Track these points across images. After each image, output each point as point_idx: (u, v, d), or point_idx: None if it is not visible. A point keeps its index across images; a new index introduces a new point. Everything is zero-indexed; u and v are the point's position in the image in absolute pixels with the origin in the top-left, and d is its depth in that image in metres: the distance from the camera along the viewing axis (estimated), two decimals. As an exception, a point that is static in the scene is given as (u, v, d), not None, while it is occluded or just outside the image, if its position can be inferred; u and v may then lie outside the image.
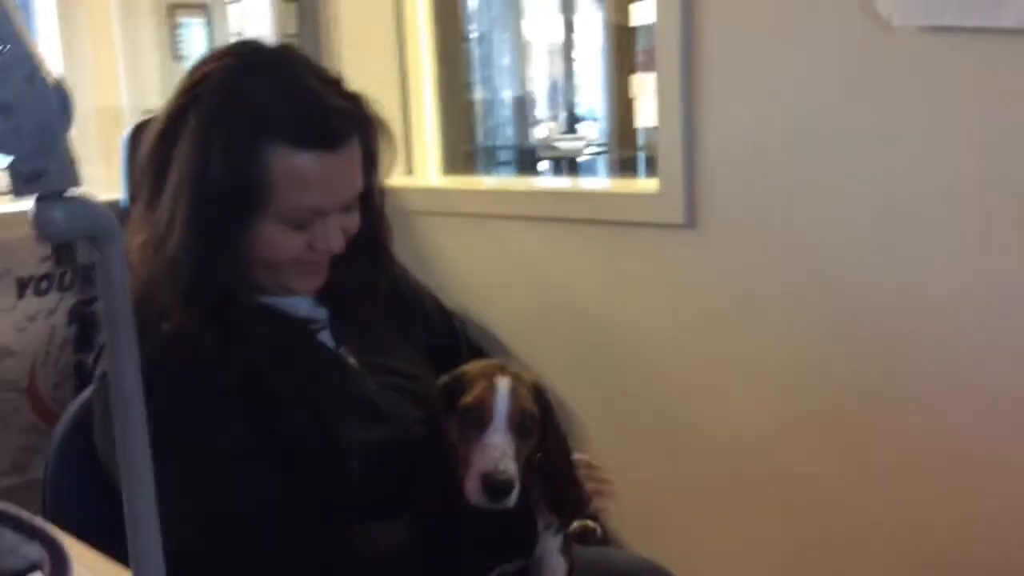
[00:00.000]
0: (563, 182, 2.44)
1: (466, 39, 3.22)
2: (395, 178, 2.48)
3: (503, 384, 1.24)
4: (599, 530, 1.59)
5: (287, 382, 1.21)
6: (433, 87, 2.63)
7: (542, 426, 1.28)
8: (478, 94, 3.49)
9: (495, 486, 1.18)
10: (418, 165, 2.60)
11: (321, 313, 1.33)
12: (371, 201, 1.31)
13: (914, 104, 1.56)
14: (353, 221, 1.26)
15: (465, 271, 2.31)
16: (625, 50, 2.79)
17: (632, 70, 2.92)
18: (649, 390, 2.00)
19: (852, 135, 1.64)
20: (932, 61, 1.53)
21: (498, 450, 1.20)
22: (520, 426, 1.23)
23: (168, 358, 1.13)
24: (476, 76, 3.44)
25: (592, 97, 4.08)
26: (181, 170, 1.14)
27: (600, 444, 2.08)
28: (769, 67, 1.72)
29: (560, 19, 4.08)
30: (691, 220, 1.87)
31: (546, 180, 2.71)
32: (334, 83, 1.23)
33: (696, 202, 1.86)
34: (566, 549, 1.40)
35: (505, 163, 3.83)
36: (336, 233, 1.22)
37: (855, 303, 1.69)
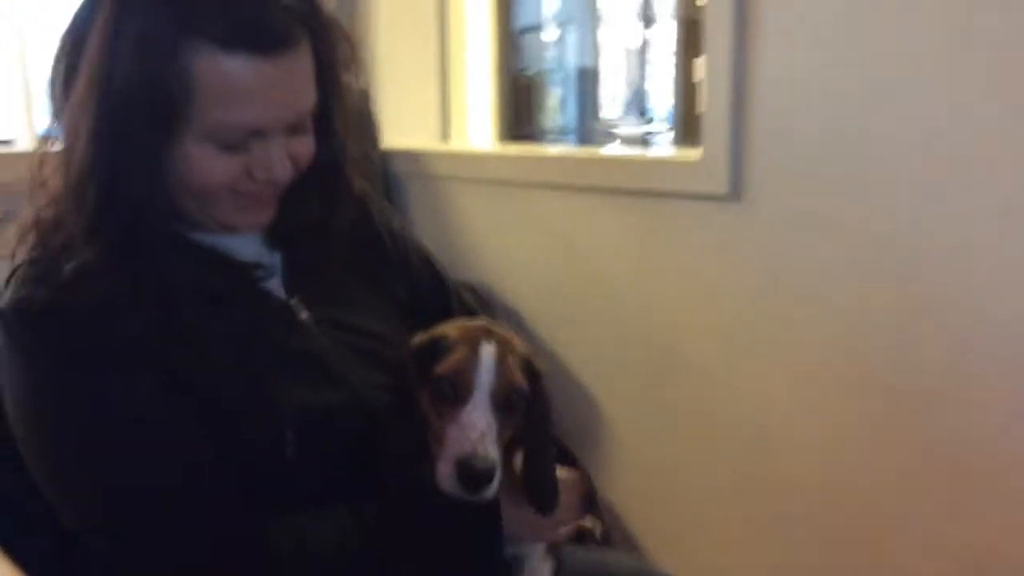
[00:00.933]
0: (597, 150, 2.25)
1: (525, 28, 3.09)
2: (426, 142, 2.47)
3: (488, 351, 1.06)
4: (597, 531, 1.41)
5: (211, 333, 1.04)
6: (491, 64, 2.52)
7: (529, 403, 1.10)
8: (537, 71, 3.32)
9: (473, 474, 1.00)
10: (456, 131, 2.47)
11: (272, 258, 1.16)
12: (328, 123, 1.11)
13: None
14: (303, 146, 1.07)
15: (492, 241, 2.17)
16: (692, 33, 2.58)
17: (697, 54, 2.66)
18: (682, 376, 1.81)
19: (929, 97, 1.41)
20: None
21: (477, 430, 1.02)
22: (505, 403, 1.06)
23: (64, 306, 0.98)
24: (536, 54, 3.27)
25: (657, 81, 3.87)
26: (87, 74, 0.95)
27: (626, 432, 1.92)
28: (834, 15, 1.50)
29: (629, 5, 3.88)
30: (736, 191, 1.67)
31: (579, 148, 2.51)
32: None
33: (742, 171, 1.66)
34: (551, 549, 1.22)
35: (563, 144, 3.66)
36: (280, 159, 1.03)
37: (918, 292, 1.46)
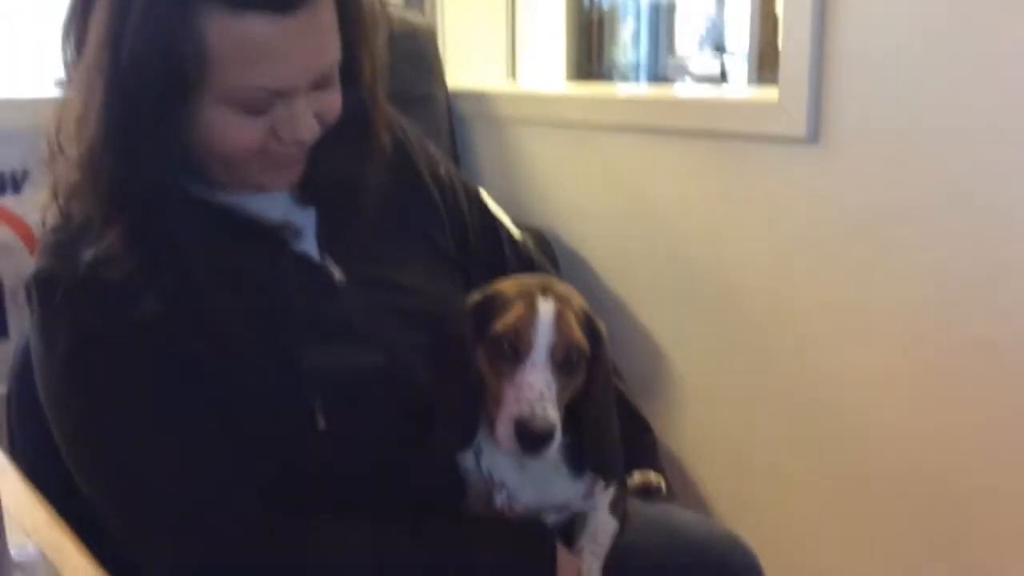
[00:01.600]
0: (669, 89, 2.17)
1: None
2: (493, 82, 2.41)
3: (546, 308, 1.02)
4: (664, 485, 1.37)
5: (236, 307, 0.99)
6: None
7: (590, 364, 1.06)
8: (609, 5, 3.22)
9: (532, 434, 0.97)
10: (523, 72, 2.41)
11: (302, 216, 1.09)
12: (357, 74, 1.03)
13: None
14: (330, 102, 1.00)
15: (559, 186, 2.12)
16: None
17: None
18: (756, 332, 1.76)
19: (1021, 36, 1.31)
20: None
21: (536, 390, 0.99)
22: (564, 362, 1.02)
23: (83, 286, 0.94)
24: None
25: (736, 14, 3.71)
26: (97, 38, 0.89)
27: (694, 386, 1.87)
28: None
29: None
30: (815, 134, 1.59)
31: (651, 88, 2.42)
32: None
33: (822, 113, 1.58)
34: (616, 506, 1.19)
35: (635, 82, 3.55)
36: (306, 119, 0.97)
37: (1009, 247, 1.37)
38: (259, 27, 0.89)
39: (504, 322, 1.02)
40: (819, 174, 1.60)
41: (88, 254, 0.94)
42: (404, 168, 1.20)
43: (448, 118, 2.29)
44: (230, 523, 0.98)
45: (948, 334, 1.47)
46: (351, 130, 1.06)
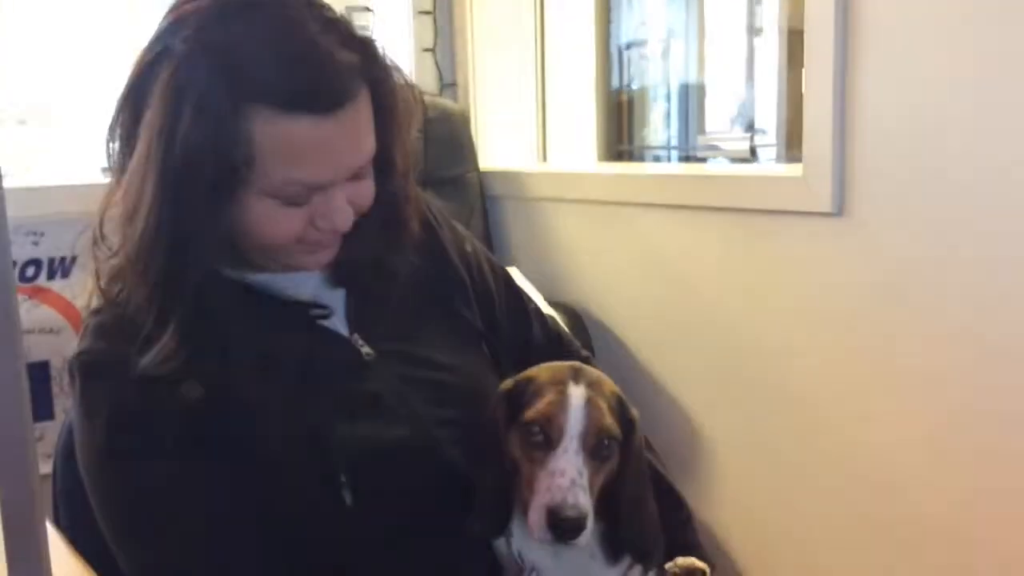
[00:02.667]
0: (696, 167, 2.20)
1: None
2: (524, 162, 2.46)
3: (577, 395, 1.04)
4: (707, 570, 1.36)
5: (266, 381, 1.02)
6: (593, 80, 2.49)
7: (623, 449, 1.07)
8: (640, 86, 3.28)
9: (564, 522, 0.98)
10: (554, 153, 2.46)
11: (332, 296, 1.12)
12: (389, 164, 1.08)
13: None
14: (364, 191, 1.04)
15: (590, 263, 2.14)
16: (799, 44, 2.51)
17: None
18: (786, 400, 1.75)
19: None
20: None
21: (568, 477, 1.00)
22: (596, 448, 1.03)
23: (121, 370, 0.97)
24: (639, 70, 3.23)
25: (764, 94, 3.76)
26: (149, 134, 0.94)
27: (728, 459, 1.87)
28: (942, 23, 1.43)
29: (735, 17, 3.78)
30: (840, 207, 1.61)
31: (678, 165, 2.46)
32: (337, 25, 0.98)
33: (847, 187, 1.60)
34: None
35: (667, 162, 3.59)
36: (342, 208, 1.01)
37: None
38: (304, 128, 0.94)
39: (536, 409, 1.03)
40: (845, 246, 1.61)
41: (145, 358, 0.97)
42: (431, 245, 1.23)
43: (480, 198, 2.34)
44: None
45: (979, 400, 1.46)
46: (382, 218, 1.10)
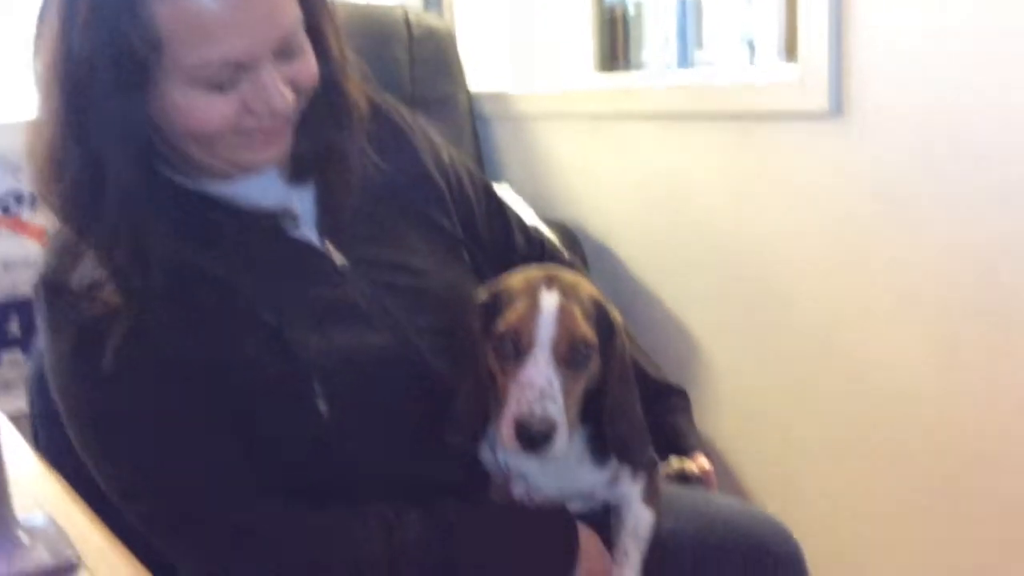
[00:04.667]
0: (689, 74, 2.15)
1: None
2: (513, 80, 2.40)
3: (549, 302, 1.00)
4: (701, 472, 1.34)
5: (235, 296, 0.99)
6: None
7: (604, 353, 1.04)
8: (633, 1, 3.18)
9: (531, 434, 0.96)
10: (546, 70, 2.40)
11: (298, 198, 1.07)
12: (322, 42, 1.01)
13: None
14: (303, 69, 0.98)
15: (583, 179, 2.11)
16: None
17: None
18: (783, 306, 1.73)
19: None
20: None
21: (536, 388, 0.97)
22: (570, 356, 1.00)
23: (78, 288, 0.95)
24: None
25: (763, 12, 3.66)
26: (50, 43, 0.89)
27: (725, 368, 1.85)
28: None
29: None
30: (837, 107, 1.56)
31: (671, 74, 2.39)
32: None
33: (844, 86, 1.55)
34: (650, 497, 1.17)
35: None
36: (275, 88, 0.93)
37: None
38: (207, 1, 0.88)
39: (507, 320, 1.00)
40: (842, 147, 1.57)
41: (82, 277, 0.94)
42: (402, 151, 1.19)
43: (470, 118, 2.29)
44: (241, 514, 0.98)
45: (978, 304, 1.43)
46: (325, 99, 1.04)
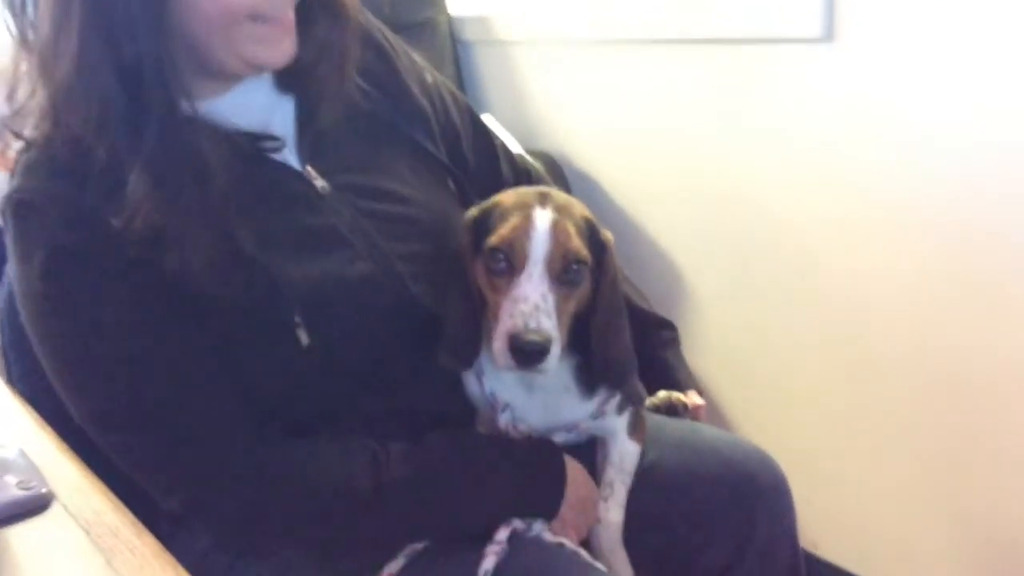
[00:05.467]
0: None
1: None
2: (498, 4, 2.32)
3: (543, 218, 0.98)
4: (688, 403, 1.33)
5: (213, 220, 0.95)
6: None
7: (595, 274, 1.02)
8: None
9: (526, 347, 0.94)
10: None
11: (280, 121, 1.05)
12: None
13: None
14: None
15: (567, 108, 2.05)
16: None
17: None
18: (768, 239, 1.71)
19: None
20: None
21: (531, 303, 0.95)
22: (563, 273, 0.98)
23: (58, 203, 0.91)
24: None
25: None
26: None
27: (712, 309, 1.83)
28: None
29: None
30: (829, 32, 1.52)
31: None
32: None
33: (836, 9, 1.50)
34: (636, 430, 1.17)
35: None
36: None
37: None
38: None
39: (499, 234, 0.98)
40: (833, 73, 1.53)
41: (66, 162, 0.91)
42: (386, 74, 1.16)
43: (450, 43, 2.23)
44: (222, 444, 0.95)
45: (969, 231, 1.42)
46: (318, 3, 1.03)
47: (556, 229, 0.97)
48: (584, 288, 1.01)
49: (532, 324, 0.94)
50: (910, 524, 1.65)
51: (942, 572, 1.64)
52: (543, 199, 1.00)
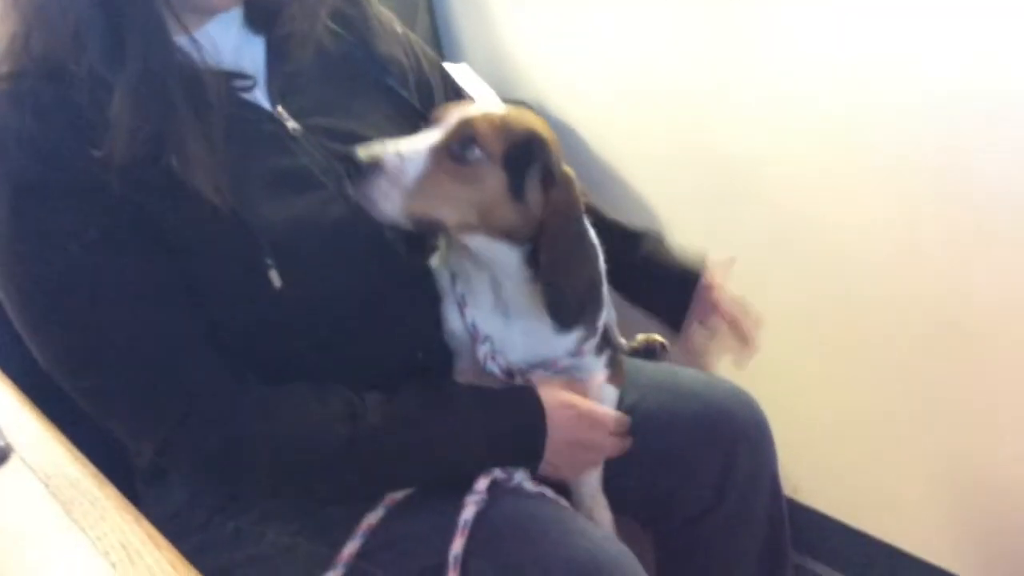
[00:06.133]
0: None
1: None
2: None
3: (474, 109, 0.98)
4: (666, 344, 1.32)
5: (183, 157, 0.93)
6: None
7: (546, 205, 0.99)
8: None
9: (352, 156, 0.92)
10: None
11: (251, 60, 1.04)
12: None
13: None
14: None
15: (545, 56, 2.01)
16: None
17: None
18: (753, 184, 1.68)
19: None
20: None
21: (400, 143, 0.94)
22: (459, 149, 0.95)
23: (27, 137, 0.89)
24: None
25: None
26: None
27: (690, 248, 1.80)
28: None
29: None
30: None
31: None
32: None
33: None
34: (613, 373, 1.15)
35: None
36: None
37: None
38: None
39: (435, 113, 1.00)
40: (820, 18, 1.48)
41: (34, 94, 0.90)
42: (360, 21, 1.14)
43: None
44: (193, 387, 0.94)
45: (953, 173, 1.39)
46: None
47: (475, 117, 0.96)
48: (486, 183, 0.97)
49: (377, 147, 0.93)
50: (892, 470, 1.65)
51: (925, 518, 1.64)
52: (506, 111, 1.00)
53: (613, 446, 1.09)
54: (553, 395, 1.04)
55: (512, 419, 1.03)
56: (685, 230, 1.80)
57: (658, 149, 1.83)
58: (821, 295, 1.64)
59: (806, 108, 1.55)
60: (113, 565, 0.65)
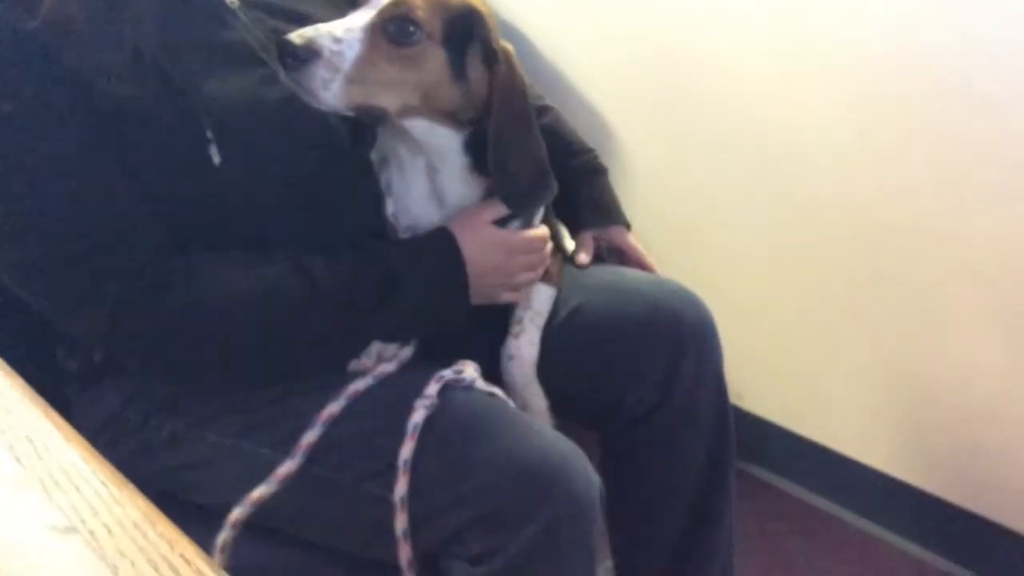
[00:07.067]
0: None
1: None
2: None
3: None
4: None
5: (119, 32, 0.90)
6: None
7: (492, 82, 0.97)
8: None
9: (288, 46, 0.87)
10: None
11: None
12: None
13: None
14: None
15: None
16: None
17: None
18: (702, 85, 1.66)
19: None
20: None
21: (334, 24, 0.90)
22: (397, 30, 0.91)
23: None
24: None
25: None
26: None
27: (640, 159, 1.81)
28: None
29: None
30: None
31: None
32: None
33: None
34: (549, 277, 1.16)
35: None
36: None
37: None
38: None
39: None
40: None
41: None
42: None
43: None
44: (142, 254, 0.92)
45: (901, 74, 1.39)
46: None
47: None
48: (427, 61, 0.94)
49: (310, 32, 0.88)
50: (835, 376, 1.67)
51: (868, 424, 1.67)
52: None
53: (534, 262, 1.10)
54: (461, 231, 1.04)
55: (427, 252, 1.02)
56: (639, 131, 1.79)
57: (606, 48, 1.81)
58: (770, 197, 1.64)
59: (759, 8, 1.53)
60: (18, 459, 0.61)
